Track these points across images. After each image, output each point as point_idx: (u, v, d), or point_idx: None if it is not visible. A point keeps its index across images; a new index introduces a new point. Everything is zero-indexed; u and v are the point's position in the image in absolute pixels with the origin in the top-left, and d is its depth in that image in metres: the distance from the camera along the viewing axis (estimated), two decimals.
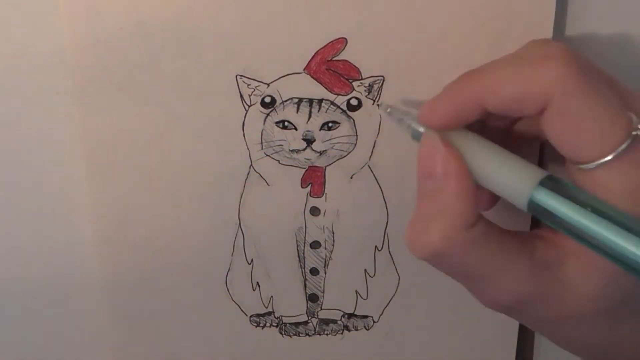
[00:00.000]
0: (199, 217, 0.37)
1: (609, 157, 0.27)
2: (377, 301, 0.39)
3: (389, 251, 0.38)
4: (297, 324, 0.39)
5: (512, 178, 0.28)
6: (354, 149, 0.35)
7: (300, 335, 0.40)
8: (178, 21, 0.33)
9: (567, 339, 0.32)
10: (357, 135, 0.35)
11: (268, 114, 0.35)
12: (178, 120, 0.35)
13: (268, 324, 0.39)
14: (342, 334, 0.40)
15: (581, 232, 0.27)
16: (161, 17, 0.33)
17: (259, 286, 0.39)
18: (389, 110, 0.32)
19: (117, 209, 0.36)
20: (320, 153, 0.35)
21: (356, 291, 0.39)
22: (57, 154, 0.36)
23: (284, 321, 0.39)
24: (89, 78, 0.34)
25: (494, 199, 0.32)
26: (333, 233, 0.37)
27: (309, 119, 0.35)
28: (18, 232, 0.37)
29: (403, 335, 0.40)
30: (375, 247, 0.38)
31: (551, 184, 0.28)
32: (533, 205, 0.28)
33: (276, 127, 0.35)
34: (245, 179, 0.36)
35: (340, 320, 0.40)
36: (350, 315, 0.39)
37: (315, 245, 0.38)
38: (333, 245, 0.38)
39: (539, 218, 0.28)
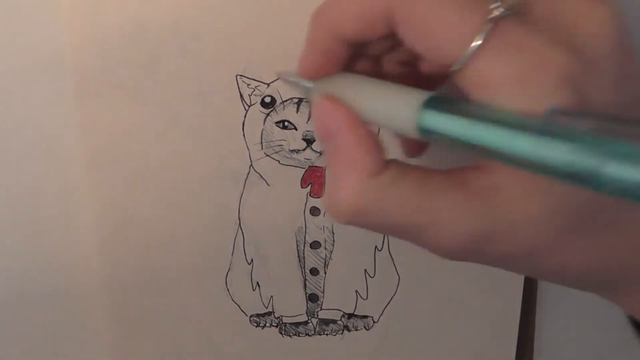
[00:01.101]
0: (199, 217, 0.37)
1: (468, 51, 0.24)
2: (377, 301, 0.39)
3: (389, 251, 0.38)
4: (297, 324, 0.39)
5: (396, 107, 0.26)
6: None
7: (300, 335, 0.40)
8: (178, 21, 0.33)
9: (540, 270, 0.29)
10: None
11: (268, 114, 0.35)
12: (178, 120, 0.35)
13: (268, 324, 0.39)
14: (342, 334, 0.40)
15: (476, 145, 0.24)
16: (161, 17, 0.33)
17: (259, 286, 0.39)
18: (280, 77, 0.31)
19: (117, 209, 0.36)
20: (320, 153, 0.35)
21: (356, 291, 0.39)
22: (57, 154, 0.36)
23: (284, 321, 0.39)
24: (89, 78, 0.34)
25: (422, 144, 0.31)
26: (333, 233, 0.37)
27: (309, 119, 0.35)
28: (18, 232, 0.37)
29: (403, 335, 0.40)
30: (375, 247, 0.38)
31: (437, 103, 0.25)
32: (424, 131, 0.25)
33: (276, 127, 0.35)
34: (245, 179, 0.36)
35: (340, 320, 0.39)
36: (350, 315, 0.39)
37: (315, 245, 0.38)
38: (333, 245, 0.38)
39: (435, 143, 0.26)
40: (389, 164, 0.27)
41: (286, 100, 0.35)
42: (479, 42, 0.24)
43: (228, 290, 0.38)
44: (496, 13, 0.24)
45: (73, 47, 0.33)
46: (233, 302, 0.39)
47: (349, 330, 0.40)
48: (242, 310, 0.39)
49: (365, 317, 0.39)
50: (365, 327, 0.40)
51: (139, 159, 0.35)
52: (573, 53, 0.24)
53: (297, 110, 0.35)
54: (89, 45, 0.33)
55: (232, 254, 0.38)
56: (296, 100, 0.35)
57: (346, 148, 0.27)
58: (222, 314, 0.39)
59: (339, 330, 0.40)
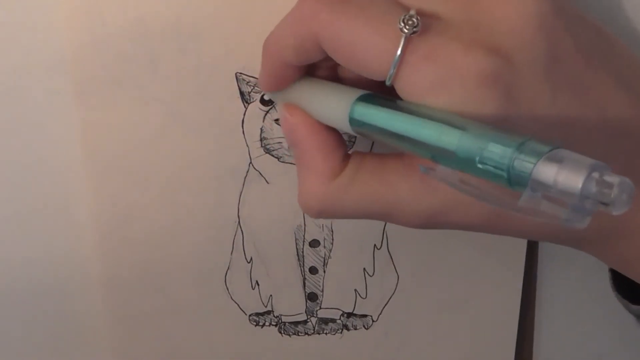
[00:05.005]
0: (198, 215, 0.37)
1: (392, 69, 0.26)
2: (377, 300, 0.39)
3: (388, 250, 0.38)
4: (296, 323, 0.39)
5: (334, 104, 0.29)
6: (352, 146, 0.35)
7: (300, 334, 0.40)
8: (178, 19, 0.33)
9: (500, 231, 0.30)
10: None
11: (267, 112, 0.35)
12: (178, 117, 0.35)
13: (267, 323, 0.39)
14: (341, 333, 0.40)
15: (399, 137, 0.26)
16: (161, 14, 0.33)
17: (258, 285, 0.39)
18: (266, 97, 0.34)
19: (116, 207, 0.36)
20: None
21: (355, 290, 0.39)
22: (57, 152, 0.36)
23: (283, 320, 0.39)
24: (88, 76, 0.34)
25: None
26: (332, 231, 0.37)
27: None
28: (18, 232, 0.37)
29: (402, 334, 0.40)
30: (375, 245, 0.38)
31: (370, 99, 0.28)
32: (355, 123, 0.28)
33: (275, 124, 0.35)
34: (245, 177, 0.36)
35: (340, 319, 0.39)
36: (350, 315, 0.39)
37: (314, 243, 0.38)
38: (332, 243, 0.38)
39: (364, 136, 0.28)
40: (348, 160, 0.29)
41: None
42: (396, 58, 0.26)
43: (227, 288, 0.38)
44: (405, 31, 0.25)
45: (73, 46, 0.33)
46: (232, 301, 0.39)
47: (348, 330, 0.40)
48: (241, 309, 0.39)
49: (365, 316, 0.39)
50: (364, 326, 0.40)
51: (138, 157, 0.35)
52: (489, 53, 0.25)
53: None
54: (89, 44, 0.33)
55: (232, 253, 0.38)
56: None
57: (306, 154, 0.30)
58: (221, 312, 0.39)
59: (338, 330, 0.40)
